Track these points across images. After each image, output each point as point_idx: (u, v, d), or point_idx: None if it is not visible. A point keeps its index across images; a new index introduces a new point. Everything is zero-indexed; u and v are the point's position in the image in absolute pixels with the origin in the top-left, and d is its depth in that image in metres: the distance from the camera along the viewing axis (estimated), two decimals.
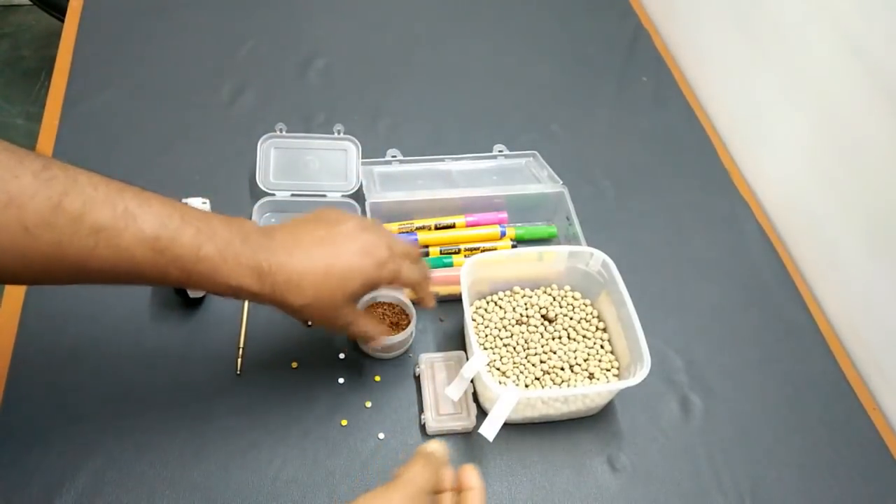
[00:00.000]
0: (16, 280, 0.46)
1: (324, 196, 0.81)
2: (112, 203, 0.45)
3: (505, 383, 0.68)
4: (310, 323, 0.71)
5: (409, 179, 0.85)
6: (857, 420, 0.73)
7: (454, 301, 0.75)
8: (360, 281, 0.55)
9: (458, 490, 0.48)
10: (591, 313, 0.73)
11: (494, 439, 0.60)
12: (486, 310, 0.73)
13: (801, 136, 0.87)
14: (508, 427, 0.67)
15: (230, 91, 0.95)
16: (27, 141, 1.41)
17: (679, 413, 0.71)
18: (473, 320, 0.72)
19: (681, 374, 0.74)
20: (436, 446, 0.49)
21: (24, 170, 0.42)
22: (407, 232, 0.79)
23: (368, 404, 0.67)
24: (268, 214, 0.81)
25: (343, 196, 0.81)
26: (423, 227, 0.79)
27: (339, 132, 0.87)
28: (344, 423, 0.66)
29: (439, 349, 0.72)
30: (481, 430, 0.60)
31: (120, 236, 0.45)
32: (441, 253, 0.78)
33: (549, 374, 0.69)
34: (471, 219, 0.81)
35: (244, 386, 0.68)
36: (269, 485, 0.61)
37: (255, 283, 0.51)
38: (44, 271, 0.45)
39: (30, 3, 1.75)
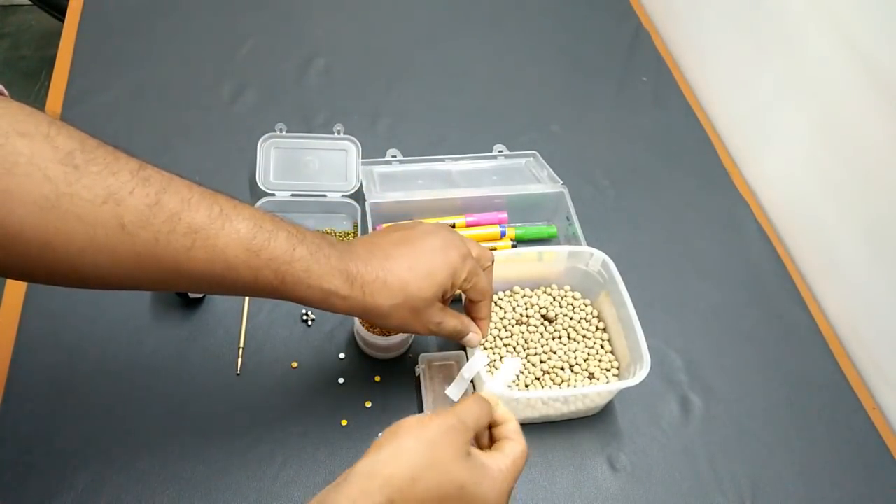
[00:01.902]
0: (102, 282, 0.44)
1: (324, 196, 0.81)
2: (208, 204, 0.45)
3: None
4: (389, 333, 0.68)
5: (409, 179, 0.85)
6: (857, 420, 0.73)
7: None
8: (446, 272, 0.54)
9: (492, 425, 0.49)
10: (591, 313, 0.73)
11: None
12: None
13: (802, 136, 0.87)
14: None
15: (230, 91, 0.95)
16: None
17: (679, 413, 0.71)
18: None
19: (681, 374, 0.74)
20: (489, 393, 0.50)
21: (122, 167, 0.42)
22: None
23: (368, 404, 0.67)
24: None
25: (343, 196, 0.81)
26: None
27: (339, 132, 0.87)
28: (344, 423, 0.66)
29: (439, 349, 0.72)
30: (447, 391, 0.61)
31: (217, 236, 0.44)
32: None
33: (549, 374, 0.69)
34: (471, 219, 0.81)
35: (244, 386, 0.68)
36: (269, 485, 0.61)
37: (345, 286, 0.50)
38: (135, 272, 0.43)
39: (30, 3, 1.75)
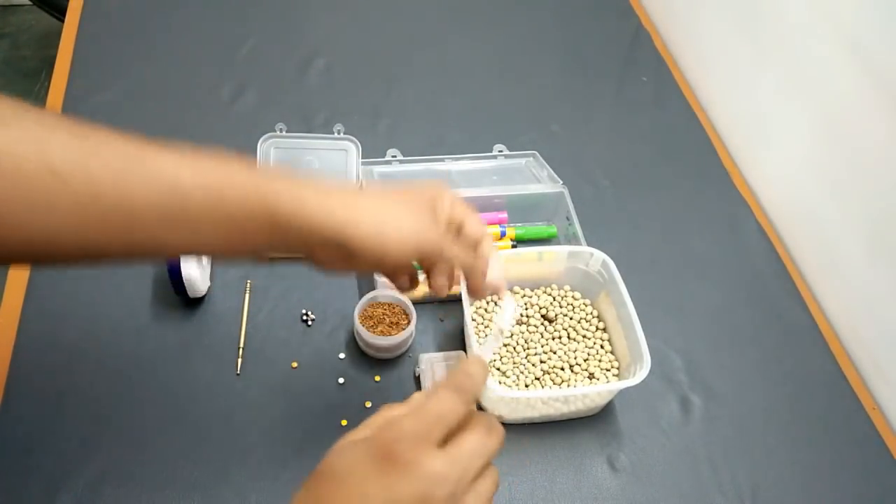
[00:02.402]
0: (57, 248, 0.41)
1: None
2: (144, 138, 0.41)
3: (505, 383, 0.68)
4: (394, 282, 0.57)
5: (409, 179, 0.85)
6: (857, 420, 0.73)
7: (454, 301, 0.75)
8: (445, 200, 0.50)
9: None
10: (591, 313, 0.73)
11: None
12: (486, 310, 0.73)
13: (802, 137, 0.87)
14: (508, 427, 0.67)
15: (230, 91, 0.95)
16: None
17: (679, 413, 0.71)
18: (473, 320, 0.72)
19: (681, 374, 0.74)
20: (476, 366, 0.40)
21: (50, 119, 0.40)
22: None
23: (368, 404, 0.67)
24: None
25: None
26: None
27: (339, 132, 0.87)
28: (344, 423, 0.66)
29: (439, 349, 0.72)
30: (478, 351, 0.60)
31: (157, 156, 0.41)
32: None
33: (549, 374, 0.69)
34: None
35: (244, 386, 0.68)
36: (269, 484, 0.61)
37: (323, 195, 0.44)
38: (82, 227, 0.39)
39: (30, 3, 1.75)
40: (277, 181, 0.44)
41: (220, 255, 0.48)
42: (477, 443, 0.38)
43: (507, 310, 0.54)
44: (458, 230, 0.51)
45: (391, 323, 0.71)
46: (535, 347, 0.70)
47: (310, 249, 0.46)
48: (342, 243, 0.44)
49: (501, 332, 0.52)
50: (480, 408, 0.67)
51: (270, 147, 0.83)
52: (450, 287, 0.52)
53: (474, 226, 0.51)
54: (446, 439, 0.37)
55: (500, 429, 0.40)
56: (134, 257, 0.45)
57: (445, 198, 0.50)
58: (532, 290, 0.75)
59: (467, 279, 0.52)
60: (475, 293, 0.53)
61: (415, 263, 0.51)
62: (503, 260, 0.52)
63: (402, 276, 0.54)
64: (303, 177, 0.45)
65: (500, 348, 0.69)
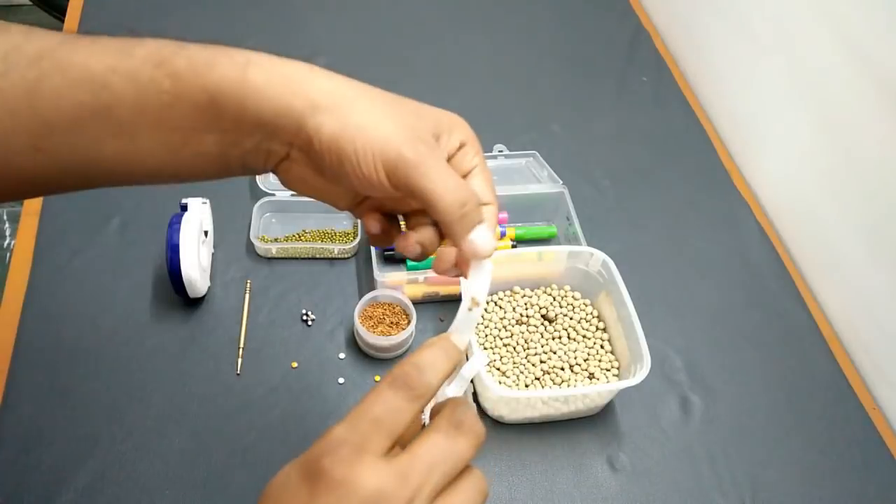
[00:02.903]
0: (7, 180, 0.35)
1: None
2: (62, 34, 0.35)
3: (505, 383, 0.68)
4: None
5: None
6: (857, 420, 0.73)
7: (454, 301, 0.75)
8: (457, 134, 0.39)
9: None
10: (591, 313, 0.73)
11: (494, 440, 0.60)
12: (486, 310, 0.73)
13: (801, 136, 0.87)
14: (508, 427, 0.67)
15: None
16: None
17: (679, 413, 0.71)
18: None
19: (681, 374, 0.74)
20: (430, 356, 0.34)
21: None
22: None
23: None
24: (268, 214, 0.81)
25: None
26: None
27: None
28: None
29: None
30: (446, 391, 0.55)
31: (74, 50, 0.34)
32: None
33: (549, 374, 0.69)
34: None
35: (244, 386, 0.68)
36: None
37: (303, 89, 0.35)
38: (22, 146, 0.34)
39: (30, 3, 1.75)
40: (220, 54, 0.35)
41: (168, 166, 0.37)
42: (438, 447, 0.31)
43: (476, 361, 0.48)
44: None
45: (391, 323, 0.71)
46: (535, 347, 0.70)
47: (264, 145, 0.37)
48: (297, 132, 0.35)
49: (463, 378, 0.47)
50: (485, 412, 0.67)
51: None
52: (428, 251, 0.39)
53: (481, 184, 0.40)
54: (397, 446, 0.31)
55: (475, 426, 0.32)
56: (70, 178, 0.37)
57: (460, 132, 0.40)
58: (532, 290, 0.75)
59: (445, 233, 0.38)
60: (437, 262, 0.40)
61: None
62: (495, 234, 0.39)
63: (372, 213, 0.41)
64: (255, 52, 0.36)
65: (466, 394, 0.67)
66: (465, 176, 0.39)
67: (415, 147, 0.35)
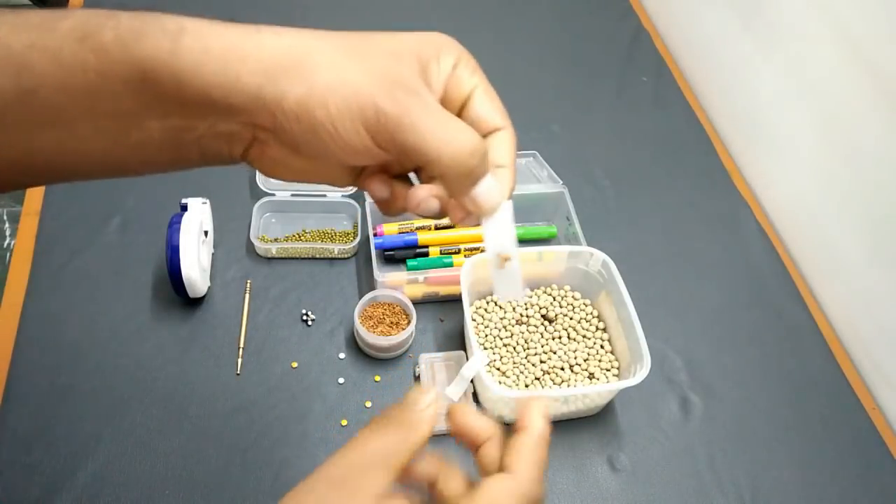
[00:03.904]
0: None
1: (324, 196, 0.81)
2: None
3: (505, 383, 0.68)
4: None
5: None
6: (857, 420, 0.73)
7: (454, 301, 0.75)
8: (448, 57, 0.33)
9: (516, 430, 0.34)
10: (591, 313, 0.73)
11: None
12: (486, 310, 0.73)
13: (802, 137, 0.87)
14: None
15: None
16: None
17: (679, 413, 0.71)
18: (473, 320, 0.72)
19: (681, 374, 0.74)
20: (424, 397, 0.33)
21: None
22: (407, 232, 0.79)
23: (368, 404, 0.67)
24: (268, 214, 0.81)
25: (343, 196, 0.81)
26: (423, 227, 0.79)
27: None
28: (344, 423, 0.66)
29: (439, 349, 0.72)
30: (446, 391, 0.57)
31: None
32: (441, 253, 0.78)
33: (549, 374, 0.69)
34: None
35: (244, 386, 0.68)
36: (269, 485, 0.61)
37: (255, 57, 0.30)
38: None
39: (29, 2, 1.75)
40: (150, 22, 0.29)
41: (113, 158, 0.32)
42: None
43: (476, 361, 0.46)
44: (459, 111, 0.33)
45: (391, 323, 0.71)
46: (535, 347, 0.70)
47: (221, 128, 0.31)
48: (255, 108, 0.30)
49: (463, 378, 0.45)
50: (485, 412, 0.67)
51: None
52: (418, 205, 0.33)
53: (487, 106, 0.34)
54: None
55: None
56: (3, 174, 0.32)
57: (449, 51, 0.33)
58: (532, 290, 0.75)
59: (446, 189, 0.32)
60: (453, 212, 0.34)
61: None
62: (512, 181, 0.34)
63: (375, 177, 0.35)
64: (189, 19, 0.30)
65: (465, 396, 0.67)
66: (465, 102, 0.33)
67: (393, 96, 0.29)
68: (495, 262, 0.33)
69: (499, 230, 0.33)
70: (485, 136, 0.33)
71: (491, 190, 0.32)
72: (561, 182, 0.83)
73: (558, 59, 1.08)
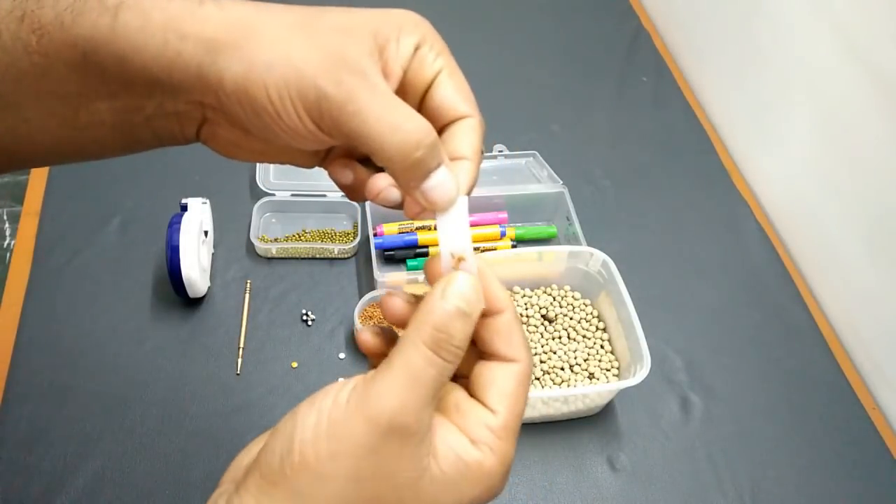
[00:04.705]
0: None
1: (324, 196, 0.81)
2: None
3: None
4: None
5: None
6: (857, 420, 0.73)
7: None
8: (408, 35, 0.30)
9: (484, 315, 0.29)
10: (591, 313, 0.73)
11: None
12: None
13: (801, 136, 0.87)
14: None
15: None
16: None
17: (679, 413, 0.71)
18: None
19: (681, 374, 0.74)
20: (464, 285, 0.28)
21: None
22: (407, 232, 0.79)
23: None
24: (268, 214, 0.81)
25: (343, 196, 0.81)
26: (422, 227, 0.79)
27: None
28: None
29: None
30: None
31: None
32: None
33: (549, 374, 0.69)
34: (470, 219, 0.80)
35: (244, 386, 0.67)
36: None
37: (196, 31, 0.27)
38: None
39: None
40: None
41: (67, 142, 0.31)
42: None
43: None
44: (422, 97, 0.31)
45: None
46: (535, 347, 0.70)
47: (169, 107, 0.30)
48: (199, 86, 0.28)
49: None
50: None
51: None
52: (377, 195, 0.31)
53: (452, 91, 0.31)
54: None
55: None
56: None
57: (411, 31, 0.30)
58: (532, 290, 0.75)
59: (394, 178, 0.30)
60: (407, 206, 0.31)
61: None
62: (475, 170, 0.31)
63: (338, 161, 0.34)
64: None
65: None
66: (428, 87, 0.30)
67: (337, 78, 0.26)
68: (449, 262, 0.30)
69: (453, 228, 0.30)
70: (448, 124, 0.30)
71: (444, 184, 0.29)
72: (561, 182, 0.83)
73: (558, 59, 1.08)
